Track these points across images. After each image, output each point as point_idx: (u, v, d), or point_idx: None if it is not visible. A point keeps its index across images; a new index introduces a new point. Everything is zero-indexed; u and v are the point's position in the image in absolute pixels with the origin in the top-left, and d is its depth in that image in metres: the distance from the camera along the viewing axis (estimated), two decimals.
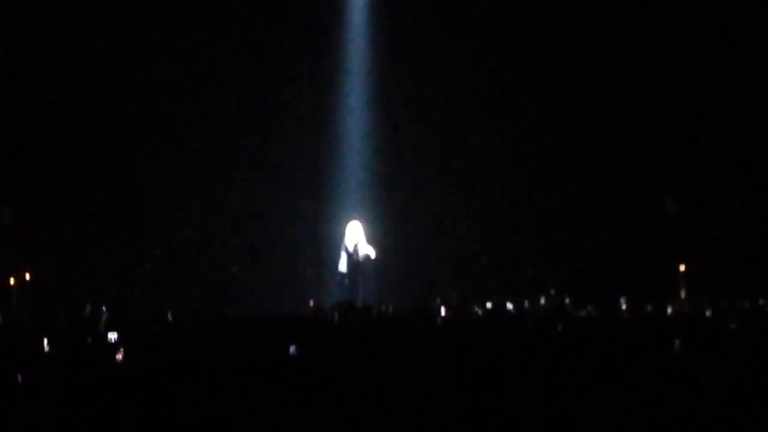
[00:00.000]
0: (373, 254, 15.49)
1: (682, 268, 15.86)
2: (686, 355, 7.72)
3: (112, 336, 8.30)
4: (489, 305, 12.25)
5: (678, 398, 6.68)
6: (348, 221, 15.91)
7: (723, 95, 17.48)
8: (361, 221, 15.86)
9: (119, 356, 7.40)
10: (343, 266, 15.53)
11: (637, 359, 7.43)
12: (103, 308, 11.45)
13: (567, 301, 12.74)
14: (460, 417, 6.34)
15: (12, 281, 15.88)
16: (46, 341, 7.70)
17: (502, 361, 7.19)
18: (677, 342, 7.96)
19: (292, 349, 7.73)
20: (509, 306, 12.25)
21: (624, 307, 11.71)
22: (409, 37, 18.15)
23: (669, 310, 11.33)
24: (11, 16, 17.30)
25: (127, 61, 17.62)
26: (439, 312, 11.57)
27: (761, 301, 12.22)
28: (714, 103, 17.52)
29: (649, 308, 11.21)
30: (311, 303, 13.02)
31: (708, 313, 10.70)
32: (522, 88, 18.01)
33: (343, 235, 15.73)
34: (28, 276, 16.20)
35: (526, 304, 12.88)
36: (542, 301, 13.38)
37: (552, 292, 14.14)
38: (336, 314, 10.64)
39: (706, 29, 17.51)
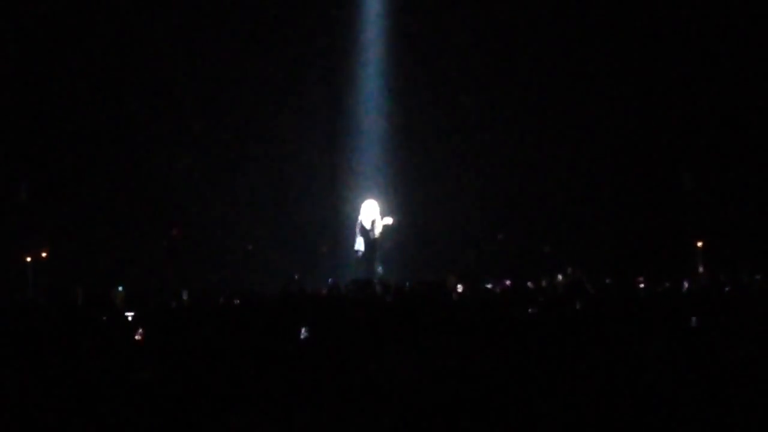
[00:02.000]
0: (391, 221, 15.47)
1: (699, 244, 15.82)
2: (704, 332, 7.68)
3: (130, 315, 8.30)
4: (507, 282, 12.23)
5: (696, 376, 6.64)
6: (363, 200, 15.89)
7: (739, 69, 17.36)
8: (376, 200, 15.84)
9: (138, 336, 7.41)
10: (359, 245, 15.51)
11: (655, 335, 7.39)
12: (119, 288, 11.49)
13: (584, 278, 12.69)
14: (478, 397, 6.32)
15: (28, 259, 15.94)
16: (65, 319, 7.72)
17: (521, 339, 7.17)
18: (694, 319, 7.92)
19: (303, 331, 7.68)
20: (528, 284, 12.21)
21: (642, 285, 11.66)
22: (425, 21, 18.15)
23: (686, 286, 11.29)
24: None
25: (150, 43, 17.67)
26: (455, 289, 11.56)
27: None
28: (730, 78, 17.39)
29: (667, 284, 11.15)
30: (330, 281, 13.06)
31: (726, 289, 10.63)
32: (540, 64, 17.94)
33: (358, 213, 15.72)
34: (44, 254, 16.26)
35: (544, 282, 12.84)
36: (559, 278, 13.36)
37: (569, 270, 14.11)
38: (351, 292, 10.63)
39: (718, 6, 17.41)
